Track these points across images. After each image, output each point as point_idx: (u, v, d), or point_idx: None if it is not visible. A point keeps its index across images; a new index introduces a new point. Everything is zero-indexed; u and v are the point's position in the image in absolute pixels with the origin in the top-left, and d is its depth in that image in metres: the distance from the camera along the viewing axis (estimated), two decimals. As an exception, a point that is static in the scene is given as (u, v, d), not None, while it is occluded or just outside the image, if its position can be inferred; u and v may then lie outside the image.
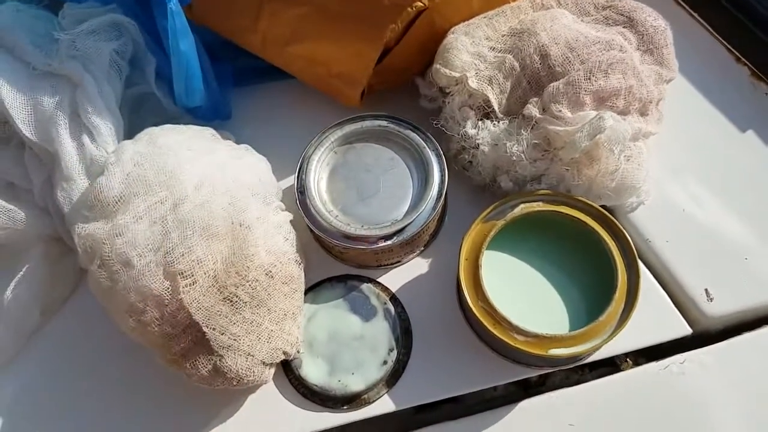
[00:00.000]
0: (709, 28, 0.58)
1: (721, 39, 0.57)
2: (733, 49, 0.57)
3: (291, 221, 0.47)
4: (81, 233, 0.42)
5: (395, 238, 0.46)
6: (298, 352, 0.46)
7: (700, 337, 0.47)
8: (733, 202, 0.50)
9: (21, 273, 0.48)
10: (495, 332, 0.42)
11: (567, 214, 0.45)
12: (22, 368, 0.48)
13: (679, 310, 0.47)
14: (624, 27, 0.51)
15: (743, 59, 0.56)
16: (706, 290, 0.47)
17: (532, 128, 0.46)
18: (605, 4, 0.52)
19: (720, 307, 0.47)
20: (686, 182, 0.52)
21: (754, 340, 0.46)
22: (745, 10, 0.55)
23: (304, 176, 0.48)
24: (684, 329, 0.47)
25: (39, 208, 0.50)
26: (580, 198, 0.45)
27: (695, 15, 0.59)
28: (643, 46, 0.50)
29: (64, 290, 0.51)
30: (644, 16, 0.51)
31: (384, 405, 0.45)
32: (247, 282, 0.42)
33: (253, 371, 0.42)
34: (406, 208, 0.47)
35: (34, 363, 0.49)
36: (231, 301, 0.41)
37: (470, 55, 0.48)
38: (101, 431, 0.46)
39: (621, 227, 0.44)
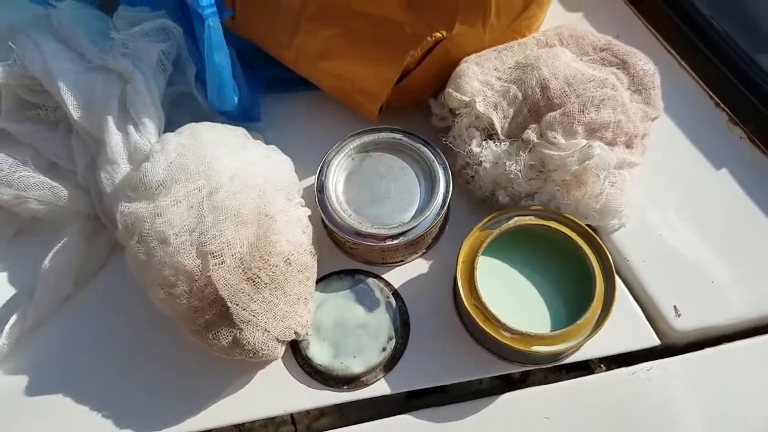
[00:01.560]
0: (694, 75, 0.64)
1: (704, 86, 0.64)
2: (714, 96, 0.63)
3: (309, 217, 0.52)
4: (124, 211, 0.47)
5: (401, 238, 0.51)
6: (307, 334, 0.51)
7: (667, 349, 0.52)
8: (705, 231, 0.56)
9: (59, 245, 0.53)
10: (485, 328, 0.47)
11: (555, 228, 0.50)
12: (54, 330, 0.53)
13: (650, 323, 0.53)
14: (618, 68, 0.57)
15: (722, 105, 0.62)
16: (675, 307, 0.52)
17: (529, 151, 0.52)
18: (603, 46, 0.58)
19: (686, 323, 0.52)
20: (664, 210, 0.57)
21: (715, 355, 0.51)
22: (728, 63, 0.62)
23: (323, 177, 0.54)
24: (653, 340, 0.52)
25: (80, 187, 0.55)
26: (568, 216, 0.51)
27: (683, 63, 0.65)
28: (633, 86, 0.56)
29: (96, 263, 0.56)
30: (636, 60, 0.57)
31: (380, 388, 0.50)
32: (269, 266, 0.47)
33: (268, 345, 0.47)
34: (412, 212, 0.53)
35: (65, 327, 0.53)
36: (253, 281, 0.46)
37: (479, 82, 0.54)
38: (123, 393, 0.50)
39: (602, 244, 0.49)
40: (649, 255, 0.55)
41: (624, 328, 0.52)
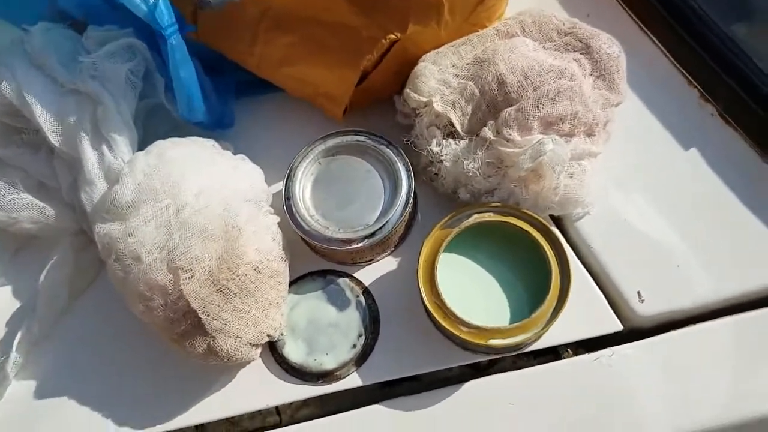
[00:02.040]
0: (666, 52, 0.63)
1: (676, 63, 0.62)
2: (686, 73, 0.62)
3: (279, 223, 0.55)
4: (100, 232, 0.50)
5: (366, 240, 0.53)
6: (282, 334, 0.54)
7: (632, 333, 0.54)
8: (671, 216, 0.56)
9: (52, 261, 0.57)
10: (444, 324, 0.49)
11: (513, 224, 0.51)
12: (56, 341, 0.57)
13: (613, 309, 0.54)
14: (581, 53, 0.56)
15: (694, 83, 0.61)
16: (638, 292, 0.54)
17: (486, 148, 0.53)
18: (567, 30, 0.58)
19: (650, 307, 0.53)
20: (630, 195, 0.58)
21: (676, 339, 0.52)
22: (700, 39, 0.60)
23: (291, 184, 0.56)
24: (616, 325, 0.53)
25: (66, 205, 0.58)
26: (525, 211, 0.52)
27: (655, 40, 0.64)
28: (596, 71, 0.56)
29: (88, 276, 0.59)
30: (600, 44, 0.56)
31: (352, 381, 0.53)
32: (237, 276, 0.49)
33: (241, 350, 0.50)
34: (377, 214, 0.54)
35: (65, 337, 0.57)
36: (223, 292, 0.49)
37: (437, 81, 0.55)
38: (118, 393, 0.55)
39: (558, 238, 0.51)
40: (613, 241, 0.56)
41: (587, 314, 0.54)
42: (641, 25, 0.65)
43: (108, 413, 0.55)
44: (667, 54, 0.63)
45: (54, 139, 0.55)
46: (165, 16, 0.52)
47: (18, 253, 0.62)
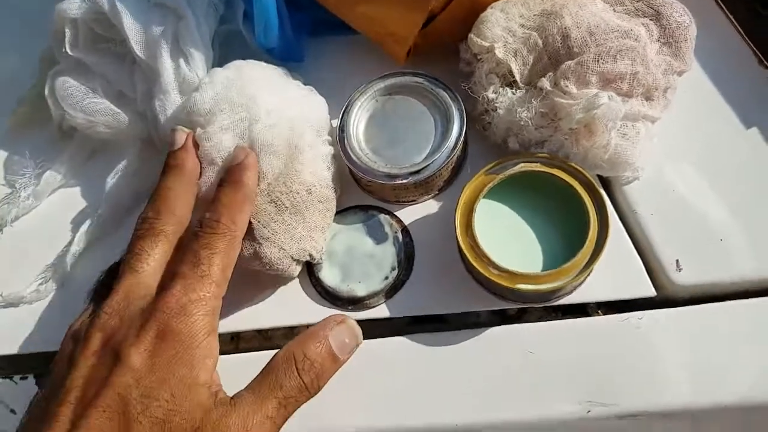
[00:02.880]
0: (740, 29, 0.61)
1: (749, 41, 0.61)
2: (758, 52, 0.60)
3: (333, 155, 0.57)
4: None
5: (410, 177, 0.55)
6: (321, 258, 0.56)
7: (666, 301, 0.53)
8: (722, 190, 0.55)
9: (120, 165, 0.62)
10: (475, 264, 0.50)
11: (557, 176, 0.52)
12: (115, 241, 0.61)
13: (649, 275, 0.53)
14: (651, 19, 0.55)
15: (765, 63, 0.59)
16: (677, 261, 0.53)
17: (542, 99, 0.53)
18: (641, -5, 0.57)
19: (687, 277, 0.52)
20: (683, 167, 0.57)
21: (709, 311, 0.52)
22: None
23: (346, 117, 0.58)
24: (650, 291, 0.53)
25: (139, 114, 0.62)
26: (573, 165, 0.52)
27: (729, 15, 0.62)
28: (663, 38, 0.55)
29: (152, 182, 0.63)
30: (671, 12, 0.55)
31: (381, 311, 0.55)
32: (291, 192, 0.52)
33: (283, 261, 0.53)
34: (425, 154, 0.56)
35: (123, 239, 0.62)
36: (276, 204, 0.52)
37: (501, 29, 0.55)
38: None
39: (601, 193, 0.51)
40: (659, 209, 0.55)
41: (622, 276, 0.53)
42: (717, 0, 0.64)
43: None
44: (741, 31, 0.61)
45: (137, 49, 0.59)
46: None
47: (92, 157, 0.67)
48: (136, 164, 0.62)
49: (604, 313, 0.54)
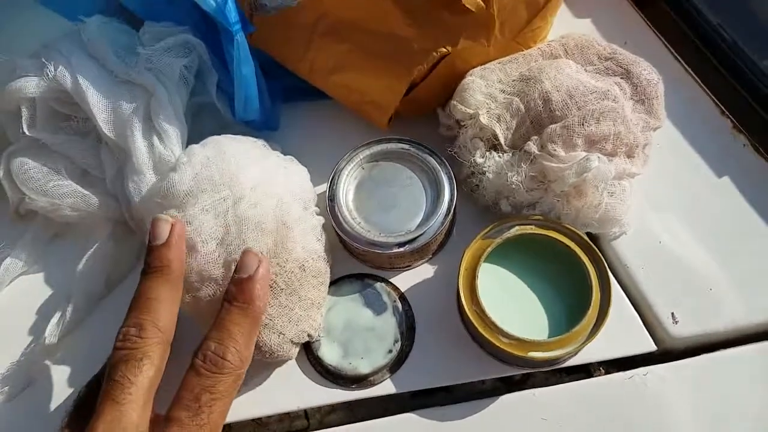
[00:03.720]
0: (700, 82, 0.65)
1: (710, 93, 0.64)
2: (719, 103, 0.64)
3: (323, 225, 0.55)
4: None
5: (407, 246, 0.54)
6: (319, 336, 0.54)
7: (665, 355, 0.54)
8: (705, 239, 0.57)
9: (92, 249, 0.57)
10: (484, 333, 0.49)
11: (555, 238, 0.52)
12: (92, 327, 0.57)
13: (647, 329, 0.54)
14: (621, 78, 0.58)
15: (727, 113, 0.63)
16: (672, 314, 0.54)
17: (530, 162, 0.54)
18: (608, 55, 0.60)
19: (683, 329, 0.54)
20: (665, 218, 0.59)
21: (710, 361, 0.53)
22: (734, 70, 0.62)
23: (334, 186, 0.56)
24: (650, 346, 0.54)
25: (110, 194, 0.59)
26: (567, 225, 0.53)
27: (689, 70, 0.66)
28: (636, 96, 0.57)
29: (126, 266, 0.59)
30: (640, 70, 0.58)
31: (386, 387, 0.53)
32: (285, 272, 0.50)
33: (283, 347, 0.50)
34: (418, 220, 0.55)
35: (100, 324, 0.57)
36: (270, 287, 0.49)
37: (483, 95, 0.56)
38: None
39: (599, 254, 0.51)
40: (648, 262, 0.57)
41: (622, 333, 0.54)
42: (675, 55, 0.67)
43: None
44: (701, 84, 0.65)
45: (105, 128, 0.55)
46: (233, 13, 0.53)
47: (54, 241, 0.62)
48: (110, 247, 0.58)
49: (606, 371, 0.55)
